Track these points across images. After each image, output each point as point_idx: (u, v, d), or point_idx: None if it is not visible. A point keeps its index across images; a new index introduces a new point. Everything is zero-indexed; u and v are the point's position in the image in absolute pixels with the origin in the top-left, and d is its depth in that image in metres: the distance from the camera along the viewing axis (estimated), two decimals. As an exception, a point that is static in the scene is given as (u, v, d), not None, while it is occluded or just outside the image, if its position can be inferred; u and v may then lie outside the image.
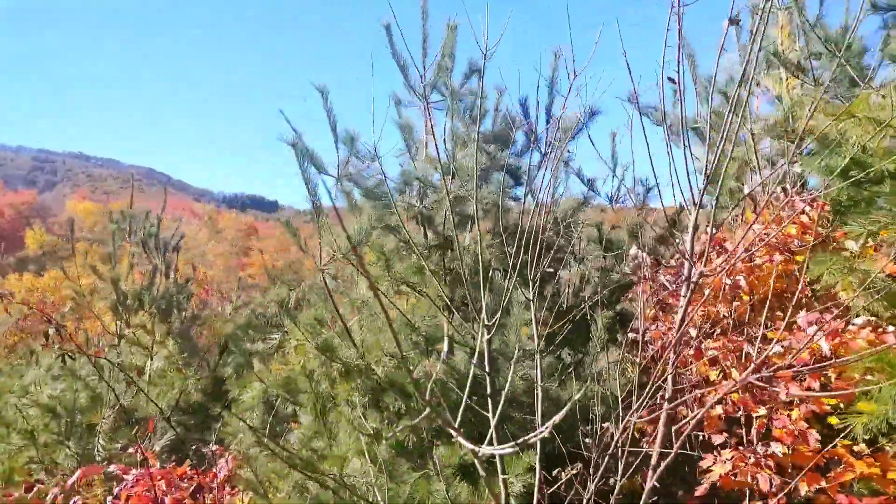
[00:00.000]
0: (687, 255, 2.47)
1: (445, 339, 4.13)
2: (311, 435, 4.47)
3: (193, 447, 6.15)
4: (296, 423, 4.76)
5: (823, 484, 3.13)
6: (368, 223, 3.78)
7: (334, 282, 4.35)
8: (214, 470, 4.47)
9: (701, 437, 3.73)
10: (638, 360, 3.86)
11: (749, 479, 2.98)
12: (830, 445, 2.98)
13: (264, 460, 3.98)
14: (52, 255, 45.75)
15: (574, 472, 3.36)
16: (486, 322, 2.64)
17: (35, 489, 3.83)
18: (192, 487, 3.14)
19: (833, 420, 3.42)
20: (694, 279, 2.40)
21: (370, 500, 3.20)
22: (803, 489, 3.20)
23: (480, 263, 2.77)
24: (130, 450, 4.90)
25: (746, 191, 3.83)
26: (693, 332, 3.41)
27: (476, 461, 2.88)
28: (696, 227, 2.49)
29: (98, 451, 5.49)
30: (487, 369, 2.55)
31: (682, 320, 2.44)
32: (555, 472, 3.38)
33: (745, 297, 3.86)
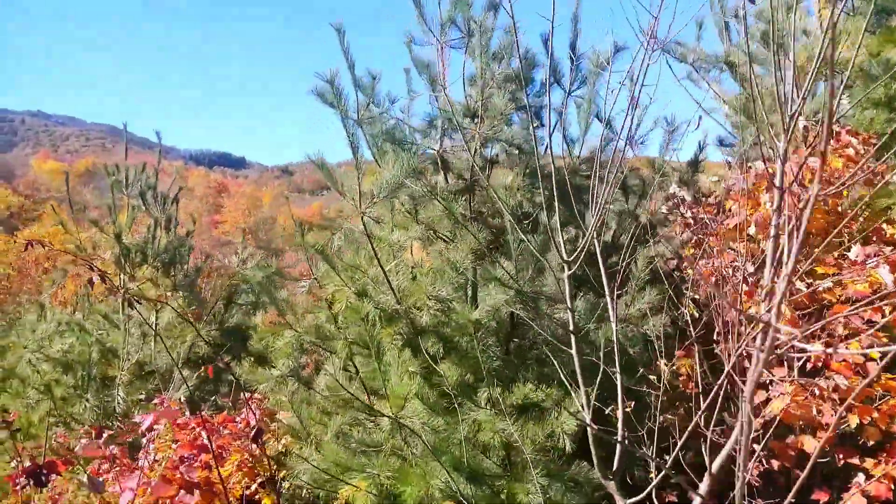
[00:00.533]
0: (778, 184, 2.39)
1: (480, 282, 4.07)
2: (336, 382, 4.43)
3: (212, 398, 6.10)
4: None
5: (875, 415, 3.18)
6: (401, 168, 3.64)
7: (374, 224, 4.23)
8: (245, 417, 4.42)
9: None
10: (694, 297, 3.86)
11: (814, 412, 3.00)
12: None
13: (304, 407, 3.93)
14: (20, 217, 44.50)
15: (628, 409, 3.38)
16: (566, 258, 2.56)
17: (105, 435, 3.73)
18: (255, 431, 3.08)
19: (874, 354, 3.46)
20: (811, 201, 2.32)
21: (425, 440, 3.17)
22: (854, 421, 3.26)
23: (563, 195, 2.67)
24: (155, 401, 4.83)
25: (801, 123, 3.76)
26: (751, 268, 3.39)
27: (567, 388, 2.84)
28: (785, 153, 2.41)
29: (118, 403, 5.40)
30: (569, 305, 2.49)
31: (779, 254, 2.38)
32: (608, 410, 3.39)
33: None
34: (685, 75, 5.70)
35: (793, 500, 2.31)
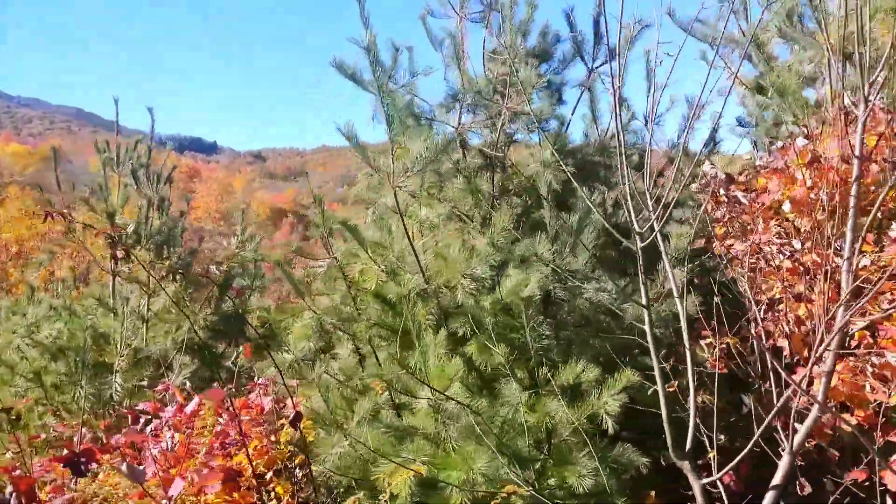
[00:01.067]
0: (857, 154, 2.32)
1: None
2: (353, 365, 4.28)
3: (213, 385, 5.88)
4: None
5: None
6: (434, 142, 3.48)
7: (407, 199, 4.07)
8: (257, 402, 4.24)
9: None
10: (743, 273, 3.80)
11: (868, 389, 2.96)
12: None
13: (331, 391, 3.78)
14: (-19, 200, 42.93)
15: (672, 388, 3.31)
16: (639, 229, 2.46)
17: (141, 420, 3.52)
18: (293, 415, 2.92)
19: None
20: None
21: (470, 421, 3.06)
22: (894, 399, 3.24)
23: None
24: (160, 387, 4.61)
25: (847, 101, 3.70)
26: (798, 245, 3.33)
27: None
28: (864, 124, 2.34)
29: (115, 390, 5.16)
30: (643, 279, 2.39)
31: (855, 235, 2.30)
32: (650, 391, 3.32)
33: (819, 214, 3.80)
34: (700, 56, 5.64)
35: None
